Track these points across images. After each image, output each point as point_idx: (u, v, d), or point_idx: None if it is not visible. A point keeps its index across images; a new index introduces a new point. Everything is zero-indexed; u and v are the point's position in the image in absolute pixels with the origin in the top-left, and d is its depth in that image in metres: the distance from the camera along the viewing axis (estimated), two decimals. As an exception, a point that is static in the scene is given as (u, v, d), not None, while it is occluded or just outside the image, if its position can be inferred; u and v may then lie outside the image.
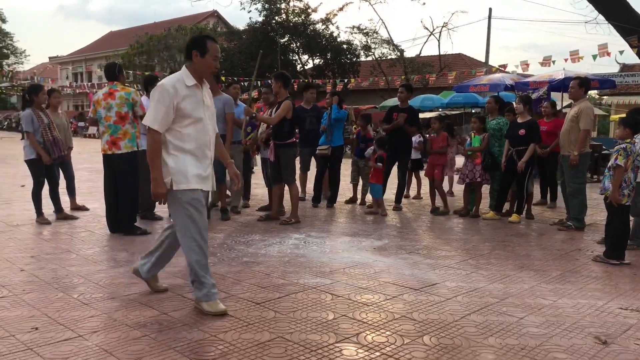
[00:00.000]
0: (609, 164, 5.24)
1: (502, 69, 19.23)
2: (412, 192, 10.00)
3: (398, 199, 8.43)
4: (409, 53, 35.88)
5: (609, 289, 4.44)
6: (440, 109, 23.89)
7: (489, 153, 7.54)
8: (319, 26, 36.20)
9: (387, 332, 3.42)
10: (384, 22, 61.34)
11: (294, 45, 36.75)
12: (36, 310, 3.70)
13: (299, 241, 6.03)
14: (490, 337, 3.39)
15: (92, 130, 33.72)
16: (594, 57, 13.61)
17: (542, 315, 3.79)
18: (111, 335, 3.29)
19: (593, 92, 24.92)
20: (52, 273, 4.59)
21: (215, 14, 51.59)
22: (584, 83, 6.80)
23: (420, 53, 34.38)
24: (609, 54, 13.22)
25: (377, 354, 3.11)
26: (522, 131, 7.11)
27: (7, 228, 6.43)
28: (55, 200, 6.95)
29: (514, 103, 8.49)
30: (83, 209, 7.54)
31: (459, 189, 8.95)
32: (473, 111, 21.56)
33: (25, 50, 72.11)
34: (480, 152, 7.52)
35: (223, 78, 32.54)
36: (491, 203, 7.91)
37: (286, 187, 7.15)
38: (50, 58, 67.51)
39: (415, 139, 9.14)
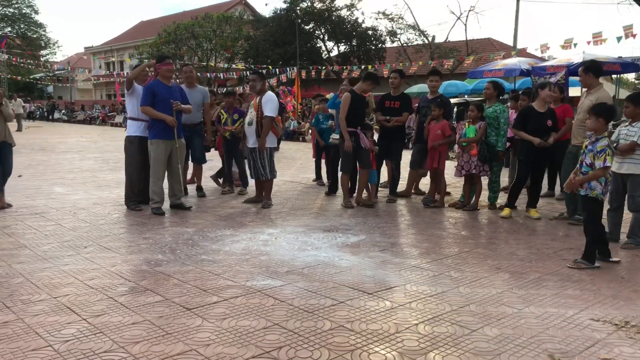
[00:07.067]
0: (588, 161, 4.67)
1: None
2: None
3: (392, 191, 8.01)
4: (436, 39, 34.83)
5: (587, 295, 3.99)
6: (465, 96, 23.13)
7: (486, 143, 7.01)
8: (344, 12, 35.67)
9: (314, 347, 3.08)
10: (409, 7, 60.39)
11: (319, 32, 36.34)
12: (-47, 313, 3.51)
13: (271, 237, 5.72)
14: (430, 353, 3.02)
15: (119, 119, 33.98)
16: (618, 39, 12.77)
17: (499, 327, 3.38)
18: (17, 344, 3.05)
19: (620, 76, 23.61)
20: (-5, 271, 4.41)
21: (242, 2, 51.39)
22: (590, 68, 6.16)
23: (447, 38, 33.55)
24: (634, 36, 12.37)
25: (291, 372, 2.79)
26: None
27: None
28: None
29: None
30: (6, 207, 7.03)
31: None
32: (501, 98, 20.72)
33: (57, 40, 73.70)
34: (476, 142, 7.02)
35: (240, 66, 32.48)
36: (490, 195, 7.42)
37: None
38: (85, 48, 68.93)
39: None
